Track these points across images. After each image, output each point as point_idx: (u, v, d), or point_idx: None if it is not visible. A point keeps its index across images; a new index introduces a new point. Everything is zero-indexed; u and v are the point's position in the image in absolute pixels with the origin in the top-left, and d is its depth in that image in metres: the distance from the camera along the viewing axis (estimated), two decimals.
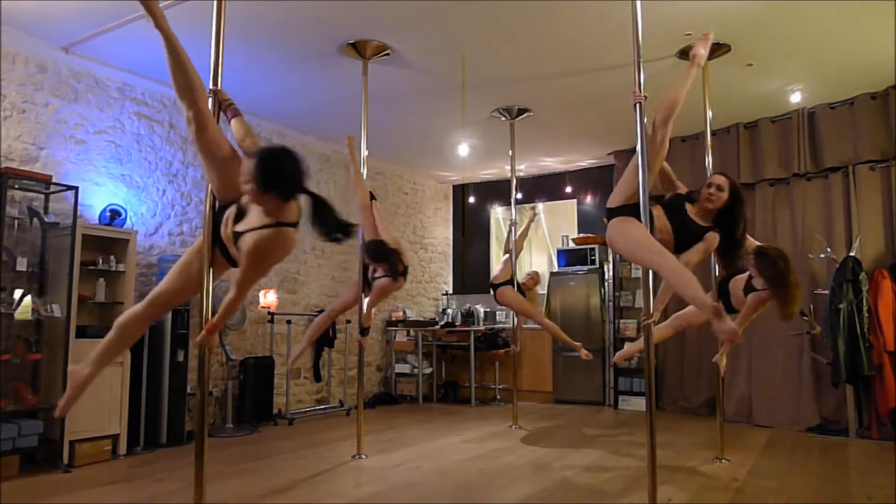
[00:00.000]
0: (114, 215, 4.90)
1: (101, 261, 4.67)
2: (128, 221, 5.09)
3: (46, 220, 4.49)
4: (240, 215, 2.50)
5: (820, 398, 5.74)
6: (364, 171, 4.93)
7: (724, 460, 4.48)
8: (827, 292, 5.54)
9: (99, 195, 4.99)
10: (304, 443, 5.23)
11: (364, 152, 4.96)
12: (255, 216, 2.42)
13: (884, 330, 5.21)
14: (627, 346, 4.54)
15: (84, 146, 4.95)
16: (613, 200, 3.18)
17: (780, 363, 5.94)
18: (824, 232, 5.87)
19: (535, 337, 7.79)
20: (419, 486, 3.91)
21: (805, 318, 5.45)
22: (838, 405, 5.59)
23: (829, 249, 5.64)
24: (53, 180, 4.53)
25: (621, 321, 7.28)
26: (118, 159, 5.19)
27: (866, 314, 5.23)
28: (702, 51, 3.34)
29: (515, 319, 6.28)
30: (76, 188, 4.53)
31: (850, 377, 5.26)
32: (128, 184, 5.26)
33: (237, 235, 2.48)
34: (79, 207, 4.54)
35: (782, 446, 5.07)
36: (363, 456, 4.66)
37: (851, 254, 5.46)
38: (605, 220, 3.26)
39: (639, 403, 6.85)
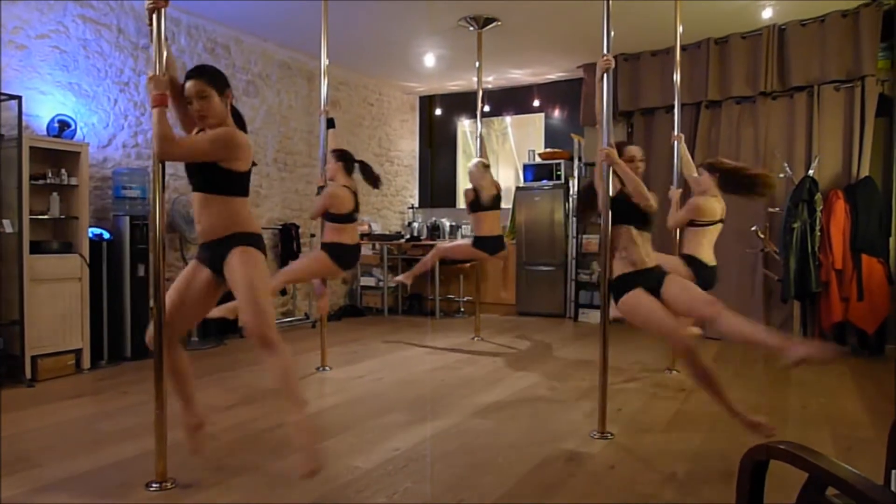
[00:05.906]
0: (63, 126, 4.69)
1: (50, 174, 4.52)
2: (78, 133, 4.88)
3: None
4: None
5: (769, 313, 6.00)
6: (325, 82, 4.81)
7: (674, 371, 4.70)
8: (783, 211, 5.67)
9: (46, 105, 4.76)
10: None
11: (325, 61, 4.80)
12: None
13: (833, 249, 5.38)
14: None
15: (26, 52, 4.66)
16: None
17: (735, 279, 6.12)
18: (785, 151, 5.95)
19: None
20: (381, 398, 4.04)
21: (761, 236, 5.60)
22: (785, 319, 5.86)
23: (788, 169, 5.73)
24: None
25: (584, 236, 7.39)
26: (64, 66, 4.92)
27: (818, 233, 5.39)
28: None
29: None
30: (20, 97, 4.29)
31: (798, 293, 5.47)
32: (76, 93, 5.01)
33: None
34: (24, 118, 4.33)
35: (730, 358, 5.32)
36: (327, 368, 4.77)
37: (809, 173, 5.55)
38: None
39: (598, 316, 7.00)
